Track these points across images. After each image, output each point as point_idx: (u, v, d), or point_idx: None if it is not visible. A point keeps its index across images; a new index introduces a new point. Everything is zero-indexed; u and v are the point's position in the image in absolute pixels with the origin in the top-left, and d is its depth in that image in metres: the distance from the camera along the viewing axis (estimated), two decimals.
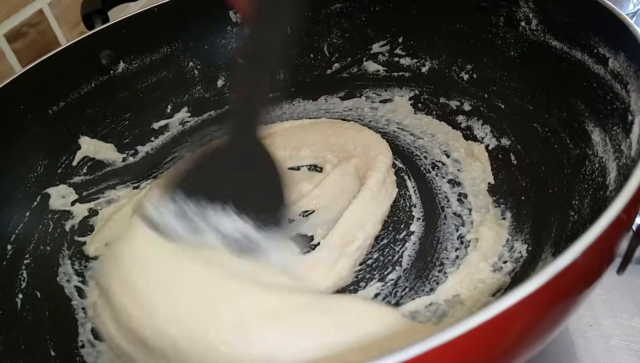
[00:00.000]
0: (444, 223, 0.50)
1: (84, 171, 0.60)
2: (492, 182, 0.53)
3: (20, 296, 0.48)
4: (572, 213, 0.43)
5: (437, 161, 0.57)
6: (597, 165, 0.42)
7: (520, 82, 0.54)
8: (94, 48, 0.60)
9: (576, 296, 0.29)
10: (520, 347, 0.29)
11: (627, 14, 0.49)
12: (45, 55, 0.56)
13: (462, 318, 0.23)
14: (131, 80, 0.64)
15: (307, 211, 0.53)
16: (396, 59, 0.66)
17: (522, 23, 0.53)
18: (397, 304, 0.45)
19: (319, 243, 0.48)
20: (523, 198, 0.50)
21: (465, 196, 0.53)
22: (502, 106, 0.56)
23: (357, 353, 0.36)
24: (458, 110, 0.60)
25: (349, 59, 0.69)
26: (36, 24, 0.66)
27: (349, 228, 0.48)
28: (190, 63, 0.68)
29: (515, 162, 0.53)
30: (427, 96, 0.64)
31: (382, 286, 0.46)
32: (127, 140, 0.64)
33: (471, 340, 0.23)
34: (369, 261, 0.48)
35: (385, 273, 0.47)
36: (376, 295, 0.46)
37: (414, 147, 0.60)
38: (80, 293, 0.51)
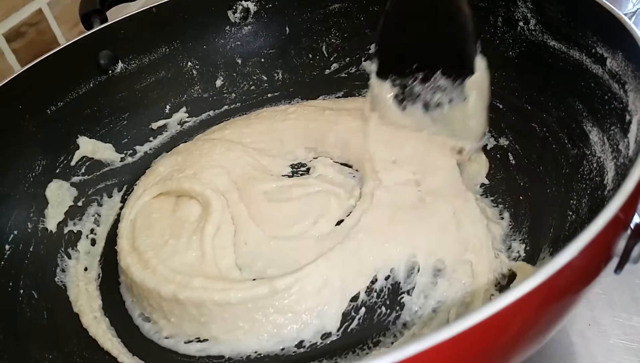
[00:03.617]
0: None
1: (83, 171, 0.60)
2: (487, 183, 0.53)
3: (19, 296, 0.48)
4: (570, 213, 0.43)
5: None
6: (595, 165, 0.42)
7: (518, 82, 0.55)
8: (93, 48, 0.60)
9: (574, 295, 0.29)
10: (518, 345, 0.29)
11: (626, 14, 0.49)
12: (44, 55, 0.56)
13: (461, 317, 0.23)
14: (130, 80, 0.64)
15: None
16: None
17: (521, 23, 0.53)
18: None
19: None
20: (521, 197, 0.50)
21: None
22: (500, 106, 0.56)
23: None
24: None
25: (348, 59, 0.69)
26: (35, 24, 0.66)
27: None
28: (189, 63, 0.68)
29: (513, 162, 0.53)
30: None
31: None
32: (126, 140, 0.64)
33: (469, 338, 0.23)
34: None
35: None
36: None
37: None
38: None
